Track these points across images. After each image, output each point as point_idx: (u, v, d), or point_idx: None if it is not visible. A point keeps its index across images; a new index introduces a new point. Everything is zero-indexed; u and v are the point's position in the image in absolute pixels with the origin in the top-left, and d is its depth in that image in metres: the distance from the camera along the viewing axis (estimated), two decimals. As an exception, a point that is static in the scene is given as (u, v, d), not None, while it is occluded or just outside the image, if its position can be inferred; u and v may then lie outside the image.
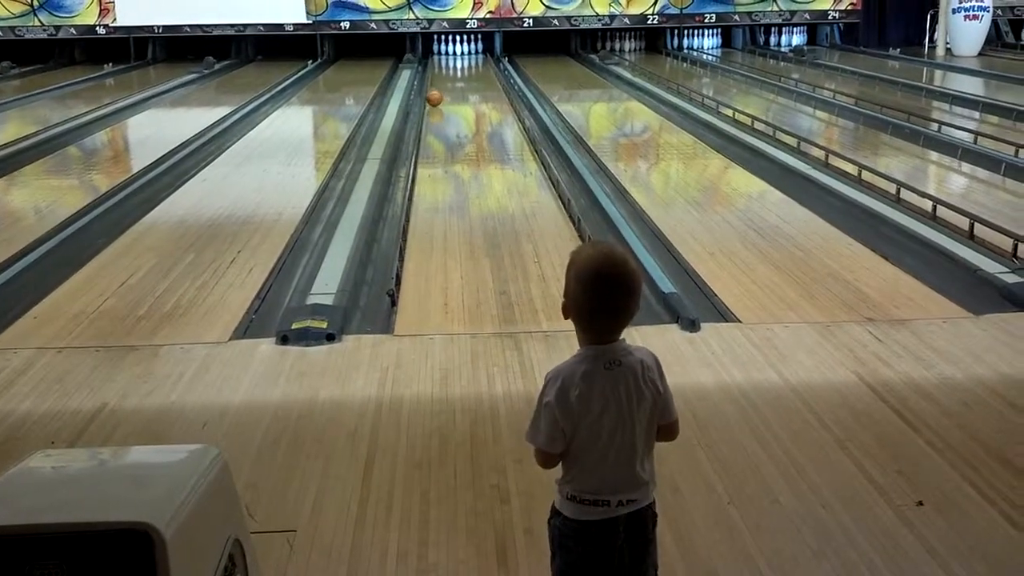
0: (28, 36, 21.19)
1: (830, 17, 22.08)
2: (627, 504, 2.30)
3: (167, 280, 6.16)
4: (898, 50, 20.50)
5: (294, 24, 21.20)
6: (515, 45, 21.65)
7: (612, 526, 2.30)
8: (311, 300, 5.58)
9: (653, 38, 22.63)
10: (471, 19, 21.43)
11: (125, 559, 1.99)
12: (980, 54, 19.55)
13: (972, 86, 15.31)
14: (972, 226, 6.79)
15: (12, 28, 21.16)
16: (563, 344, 4.76)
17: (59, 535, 2.01)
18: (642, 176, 9.82)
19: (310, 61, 20.69)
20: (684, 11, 21.62)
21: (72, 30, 21.28)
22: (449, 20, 21.41)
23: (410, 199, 8.36)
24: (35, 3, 21.10)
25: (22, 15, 21.14)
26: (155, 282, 6.12)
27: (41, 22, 21.18)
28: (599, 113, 14.86)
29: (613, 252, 2.31)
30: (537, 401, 2.30)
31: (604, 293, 2.24)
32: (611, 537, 2.30)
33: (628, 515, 2.30)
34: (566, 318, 2.32)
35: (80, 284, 6.15)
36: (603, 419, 2.26)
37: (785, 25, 22.56)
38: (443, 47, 22.14)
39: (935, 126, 11.24)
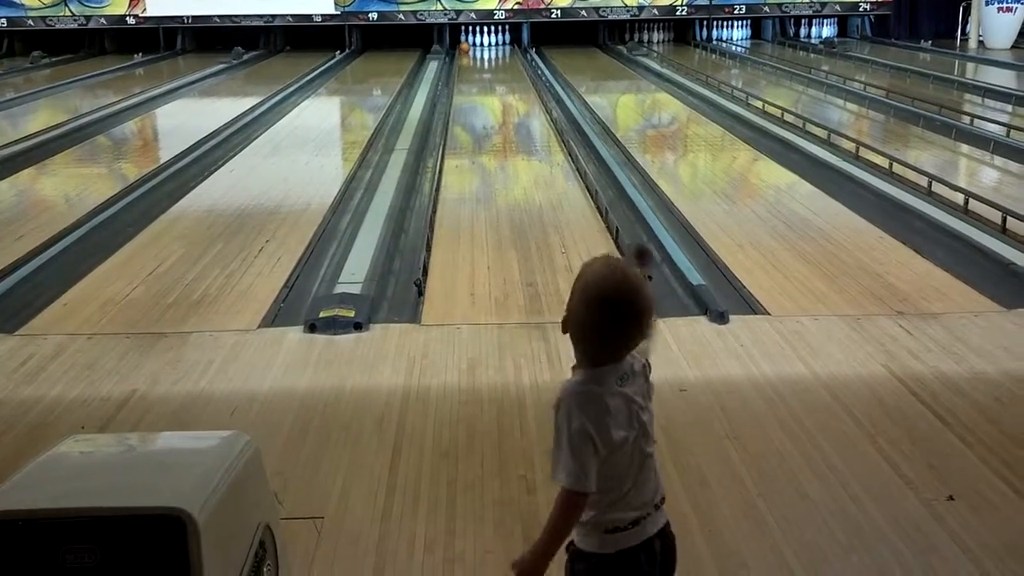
0: (59, 26, 21.35)
1: (861, 9, 21.89)
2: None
3: (196, 268, 6.20)
4: (930, 42, 20.32)
5: (322, 15, 21.27)
6: (543, 36, 21.61)
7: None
8: (339, 289, 5.60)
9: (682, 29, 22.52)
10: (499, 10, 21.40)
11: (157, 544, 2.01)
12: (1013, 47, 19.33)
13: (1005, 79, 15.13)
14: (1004, 219, 6.72)
15: (43, 18, 21.33)
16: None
17: (92, 519, 2.03)
18: (670, 168, 9.78)
19: (338, 52, 20.73)
20: (713, 2, 21.49)
21: (102, 20, 21.42)
22: (477, 11, 21.40)
23: (437, 189, 8.36)
24: (66, -7, 21.26)
25: (53, 5, 21.29)
26: (184, 270, 6.16)
27: (72, 12, 21.33)
28: (627, 104, 14.80)
29: (626, 275, 2.02)
30: (560, 434, 2.00)
31: (617, 319, 2.00)
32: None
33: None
34: (564, 332, 2.06)
35: (109, 272, 6.19)
36: (624, 446, 2.04)
37: (815, 17, 22.39)
38: (470, 38, 22.11)
39: (967, 119, 11.12)
